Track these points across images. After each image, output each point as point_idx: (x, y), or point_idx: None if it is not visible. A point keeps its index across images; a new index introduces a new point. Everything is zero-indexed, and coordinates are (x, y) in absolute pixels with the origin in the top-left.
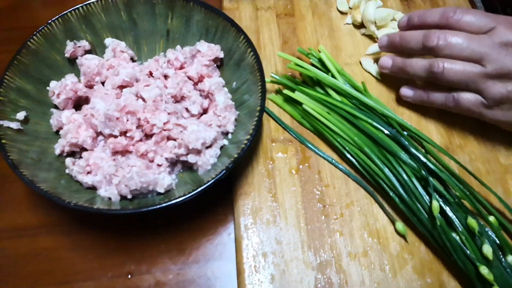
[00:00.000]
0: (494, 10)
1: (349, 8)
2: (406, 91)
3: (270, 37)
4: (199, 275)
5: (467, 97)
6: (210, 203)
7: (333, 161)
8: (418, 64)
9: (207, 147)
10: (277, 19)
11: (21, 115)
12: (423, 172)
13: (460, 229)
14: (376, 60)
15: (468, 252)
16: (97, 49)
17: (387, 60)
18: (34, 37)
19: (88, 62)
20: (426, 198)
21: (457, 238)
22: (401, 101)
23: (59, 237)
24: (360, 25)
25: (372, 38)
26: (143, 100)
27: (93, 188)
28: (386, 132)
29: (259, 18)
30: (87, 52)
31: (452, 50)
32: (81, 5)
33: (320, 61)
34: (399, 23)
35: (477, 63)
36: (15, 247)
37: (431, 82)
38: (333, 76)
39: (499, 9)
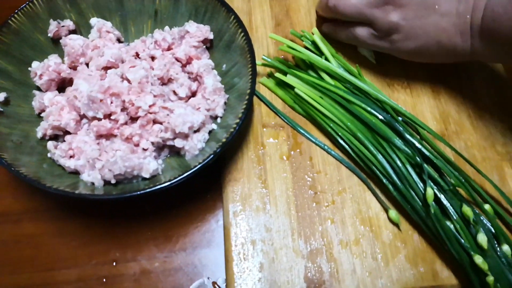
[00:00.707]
0: None
1: None
2: None
3: (263, 19)
4: (186, 263)
5: (361, 31)
6: (198, 190)
7: (326, 147)
8: (321, 3)
9: (195, 132)
10: (269, 1)
11: (1, 96)
12: (418, 159)
13: (455, 218)
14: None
15: (462, 241)
16: (82, 29)
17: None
18: (16, 15)
19: (72, 43)
20: (420, 185)
21: (452, 226)
22: (396, 85)
23: (43, 223)
24: None
25: None
26: (128, 81)
27: (76, 173)
28: (380, 117)
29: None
30: (72, 32)
31: None
32: None
33: (314, 43)
34: None
35: None
36: None
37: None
38: (326, 59)
39: None
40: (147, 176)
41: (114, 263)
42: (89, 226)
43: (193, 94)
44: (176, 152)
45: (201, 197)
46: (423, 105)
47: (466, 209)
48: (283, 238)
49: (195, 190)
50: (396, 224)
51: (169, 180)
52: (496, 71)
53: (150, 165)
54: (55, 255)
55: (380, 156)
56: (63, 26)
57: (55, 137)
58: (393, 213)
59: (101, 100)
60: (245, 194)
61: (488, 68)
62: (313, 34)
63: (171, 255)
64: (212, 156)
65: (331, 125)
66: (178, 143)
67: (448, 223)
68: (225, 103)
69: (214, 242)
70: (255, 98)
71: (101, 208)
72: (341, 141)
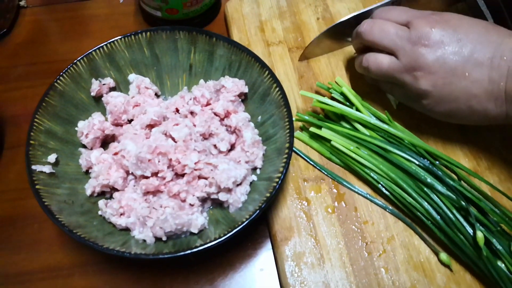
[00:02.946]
0: (503, 23)
1: None
2: None
3: (286, 73)
4: None
5: (398, 91)
6: (241, 239)
7: (368, 195)
8: (357, 61)
9: (237, 185)
10: (289, 53)
11: (52, 157)
12: (463, 203)
13: (505, 257)
14: None
15: None
16: (121, 85)
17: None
18: (61, 77)
19: (114, 100)
20: (468, 228)
21: (503, 265)
22: (423, 125)
23: (93, 276)
24: None
25: None
26: (173, 139)
27: (126, 229)
28: (418, 163)
29: (272, 54)
30: (112, 89)
31: (374, 36)
32: (105, 43)
33: (342, 94)
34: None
35: (393, 54)
36: None
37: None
38: (357, 109)
39: (508, 21)
40: (195, 231)
41: None
42: (138, 278)
43: (232, 146)
44: (218, 203)
45: (244, 245)
46: (452, 143)
47: None
48: None
49: (239, 240)
50: (447, 266)
51: (219, 237)
52: None
53: (198, 220)
54: None
55: (425, 204)
56: (104, 84)
57: (101, 193)
58: (444, 256)
59: (149, 160)
60: (299, 252)
61: None
62: (336, 82)
63: None
64: (258, 211)
65: (372, 174)
66: (222, 197)
67: (499, 262)
68: (263, 154)
69: None
70: None
71: (149, 260)
72: (384, 190)
